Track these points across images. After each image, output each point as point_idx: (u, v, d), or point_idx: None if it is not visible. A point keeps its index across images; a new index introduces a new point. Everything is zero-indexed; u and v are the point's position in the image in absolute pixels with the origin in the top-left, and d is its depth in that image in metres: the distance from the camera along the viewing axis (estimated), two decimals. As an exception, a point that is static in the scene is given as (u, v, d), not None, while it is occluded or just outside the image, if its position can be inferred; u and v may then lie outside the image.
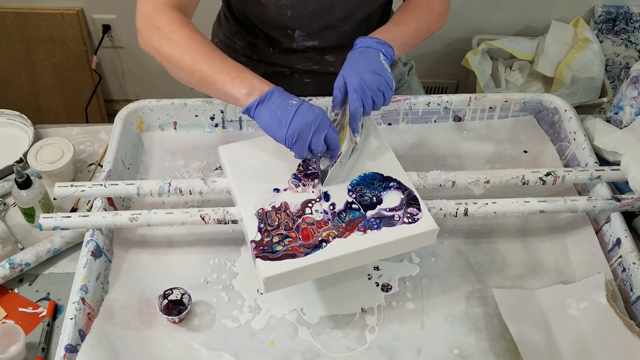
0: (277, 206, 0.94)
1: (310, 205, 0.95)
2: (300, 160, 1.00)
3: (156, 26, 0.96)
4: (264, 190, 0.97)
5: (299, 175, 0.98)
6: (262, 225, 0.92)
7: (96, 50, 2.16)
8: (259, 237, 0.90)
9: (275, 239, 0.90)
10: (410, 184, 0.97)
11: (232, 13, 1.22)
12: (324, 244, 0.89)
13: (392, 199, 0.96)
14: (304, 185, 0.97)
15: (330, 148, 0.92)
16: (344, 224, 0.92)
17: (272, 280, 0.86)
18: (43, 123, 1.28)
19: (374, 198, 0.96)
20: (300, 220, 0.93)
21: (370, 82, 0.95)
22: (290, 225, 0.92)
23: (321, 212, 0.94)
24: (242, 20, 1.20)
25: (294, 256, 0.88)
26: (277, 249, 0.89)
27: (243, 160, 1.02)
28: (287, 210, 0.94)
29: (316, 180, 0.97)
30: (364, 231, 0.91)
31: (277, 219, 0.93)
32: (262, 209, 0.94)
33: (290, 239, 0.90)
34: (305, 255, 0.88)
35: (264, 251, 0.88)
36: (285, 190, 0.97)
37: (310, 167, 0.99)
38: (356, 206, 0.94)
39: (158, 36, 0.96)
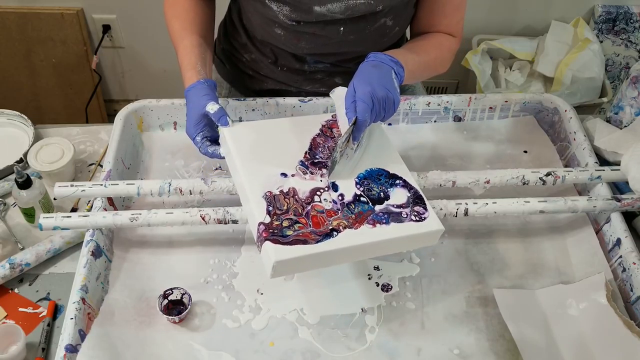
0: (285, 191, 0.92)
1: (319, 193, 0.93)
2: (307, 148, 0.98)
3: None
4: (271, 173, 0.94)
5: (307, 163, 0.96)
6: (270, 208, 0.89)
7: (96, 50, 2.16)
8: (267, 219, 0.88)
9: (285, 223, 0.87)
10: (415, 183, 0.97)
11: (244, 26, 1.19)
12: (335, 232, 0.88)
13: (399, 196, 0.95)
14: (311, 173, 0.95)
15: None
16: (353, 215, 0.91)
17: (281, 264, 0.84)
18: (43, 123, 1.28)
19: (382, 193, 0.95)
20: (309, 207, 0.91)
21: (380, 96, 0.92)
22: (300, 212, 0.90)
23: (330, 202, 0.92)
24: (251, 36, 1.18)
25: (305, 242, 0.85)
26: (288, 234, 0.86)
27: (248, 142, 0.98)
28: (296, 196, 0.92)
29: (324, 170, 0.95)
30: (373, 224, 0.90)
31: (286, 204, 0.90)
32: (270, 192, 0.91)
33: (301, 225, 0.88)
34: (317, 242, 0.86)
35: (274, 234, 0.86)
36: (292, 175, 0.94)
37: (317, 156, 0.97)
38: (364, 199, 0.93)
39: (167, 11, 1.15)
